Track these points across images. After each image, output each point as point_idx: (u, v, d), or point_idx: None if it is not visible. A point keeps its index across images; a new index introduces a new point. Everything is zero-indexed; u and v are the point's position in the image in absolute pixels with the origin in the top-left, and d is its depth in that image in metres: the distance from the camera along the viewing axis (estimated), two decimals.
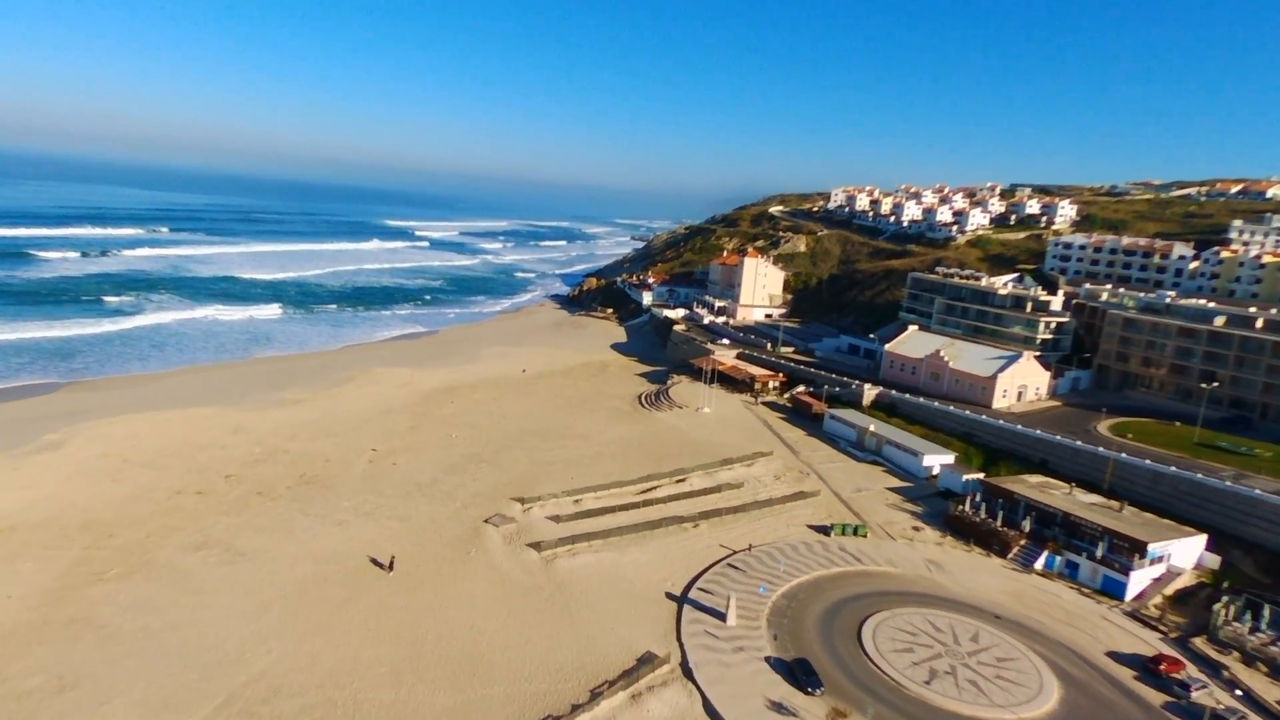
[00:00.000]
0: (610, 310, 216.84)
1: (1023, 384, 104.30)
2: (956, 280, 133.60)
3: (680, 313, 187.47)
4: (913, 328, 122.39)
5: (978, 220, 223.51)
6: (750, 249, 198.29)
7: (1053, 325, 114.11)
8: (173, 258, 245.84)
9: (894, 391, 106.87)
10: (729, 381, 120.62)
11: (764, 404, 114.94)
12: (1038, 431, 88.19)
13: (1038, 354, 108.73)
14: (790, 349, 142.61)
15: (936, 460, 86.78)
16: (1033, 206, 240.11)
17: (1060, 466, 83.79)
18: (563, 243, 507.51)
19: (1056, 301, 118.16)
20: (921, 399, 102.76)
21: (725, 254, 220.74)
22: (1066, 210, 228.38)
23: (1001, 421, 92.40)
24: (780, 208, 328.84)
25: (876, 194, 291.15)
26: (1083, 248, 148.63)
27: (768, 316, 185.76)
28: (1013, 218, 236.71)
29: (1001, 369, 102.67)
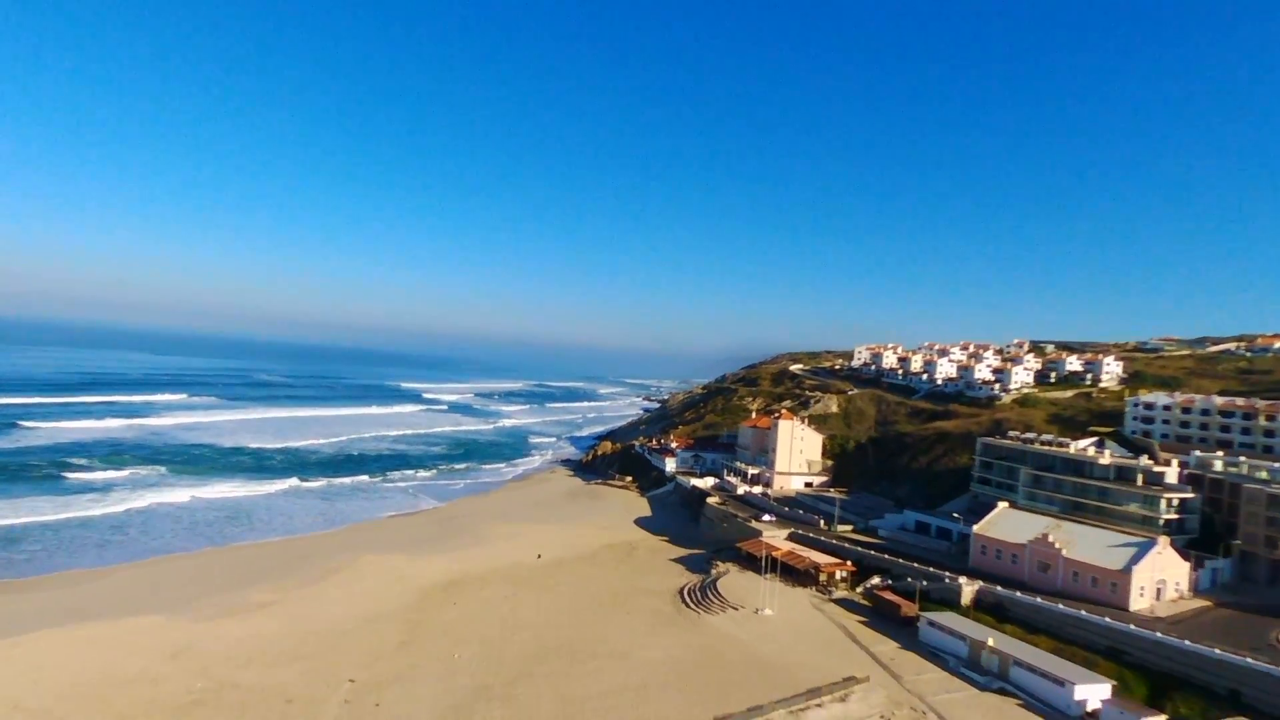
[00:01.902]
0: (629, 478, 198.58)
1: (1161, 578, 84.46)
2: (1039, 446, 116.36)
3: (710, 481, 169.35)
4: (1003, 505, 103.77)
5: (1021, 378, 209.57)
6: (783, 410, 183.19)
7: (1175, 503, 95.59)
8: (161, 426, 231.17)
9: (999, 588, 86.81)
10: (787, 571, 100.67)
11: (835, 601, 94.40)
12: (1217, 650, 67.65)
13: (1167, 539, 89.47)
14: (848, 527, 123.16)
15: (1092, 691, 65.83)
16: (1074, 364, 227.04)
17: (1264, 702, 62.77)
18: (573, 404, 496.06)
19: (1171, 473, 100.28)
20: (1039, 599, 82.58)
21: (754, 415, 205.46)
22: (1113, 367, 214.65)
23: (1160, 634, 71.85)
24: (800, 366, 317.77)
25: (901, 350, 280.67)
26: (1168, 408, 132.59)
27: (808, 485, 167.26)
28: (1053, 375, 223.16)
29: (1135, 559, 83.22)
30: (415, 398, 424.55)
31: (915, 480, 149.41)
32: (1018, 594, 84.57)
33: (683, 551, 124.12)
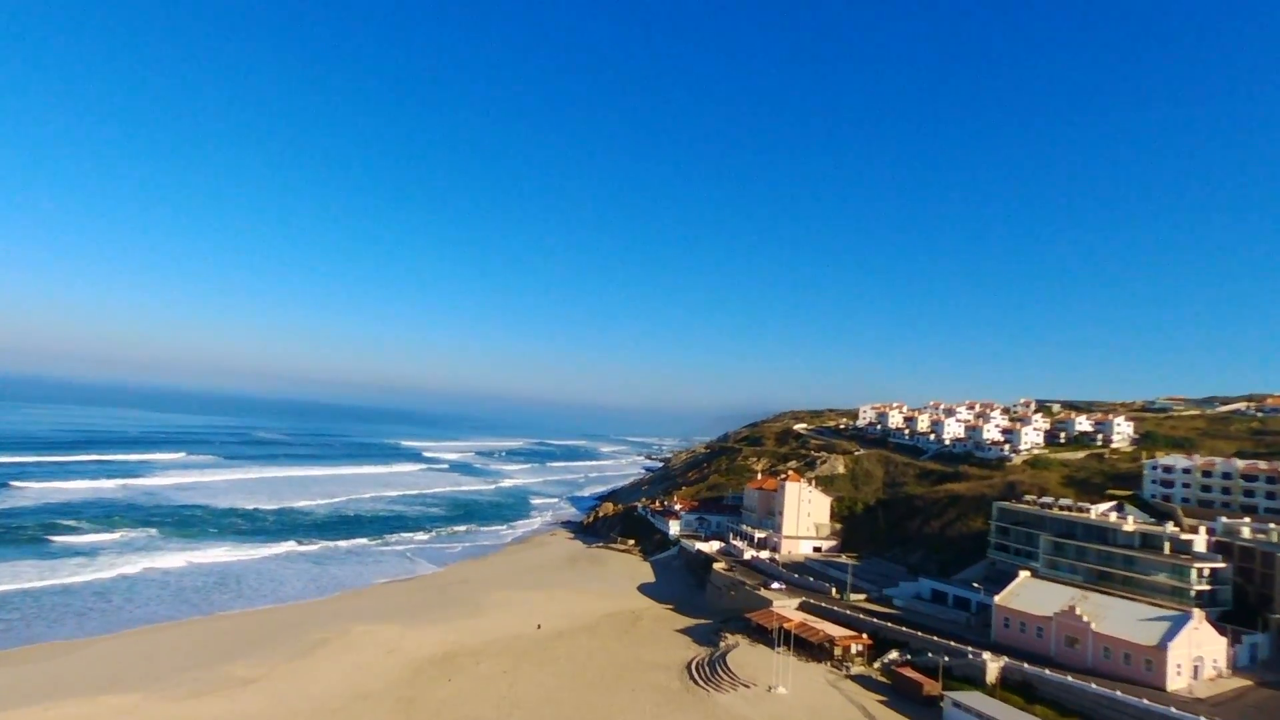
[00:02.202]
0: (632, 541, 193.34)
1: (1199, 655, 79.79)
2: (1058, 512, 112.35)
3: (715, 545, 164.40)
4: (1024, 574, 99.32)
5: (1030, 438, 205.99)
6: (790, 472, 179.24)
7: (1206, 573, 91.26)
8: (155, 486, 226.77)
9: (1026, 665, 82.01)
10: (800, 644, 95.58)
11: (851, 678, 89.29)
12: None
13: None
14: (862, 596, 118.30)
15: None
16: (1083, 424, 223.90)
17: None
18: (574, 462, 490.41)
19: (1199, 540, 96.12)
20: (1070, 678, 77.75)
21: (759, 477, 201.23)
22: (1124, 428, 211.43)
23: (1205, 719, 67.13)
24: (805, 425, 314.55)
25: (907, 410, 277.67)
26: (1187, 471, 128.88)
27: (817, 550, 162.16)
28: (1062, 435, 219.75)
29: (1170, 635, 78.71)
30: (415, 456, 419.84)
31: (928, 545, 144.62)
32: (1046, 672, 79.76)
33: (689, 621, 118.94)
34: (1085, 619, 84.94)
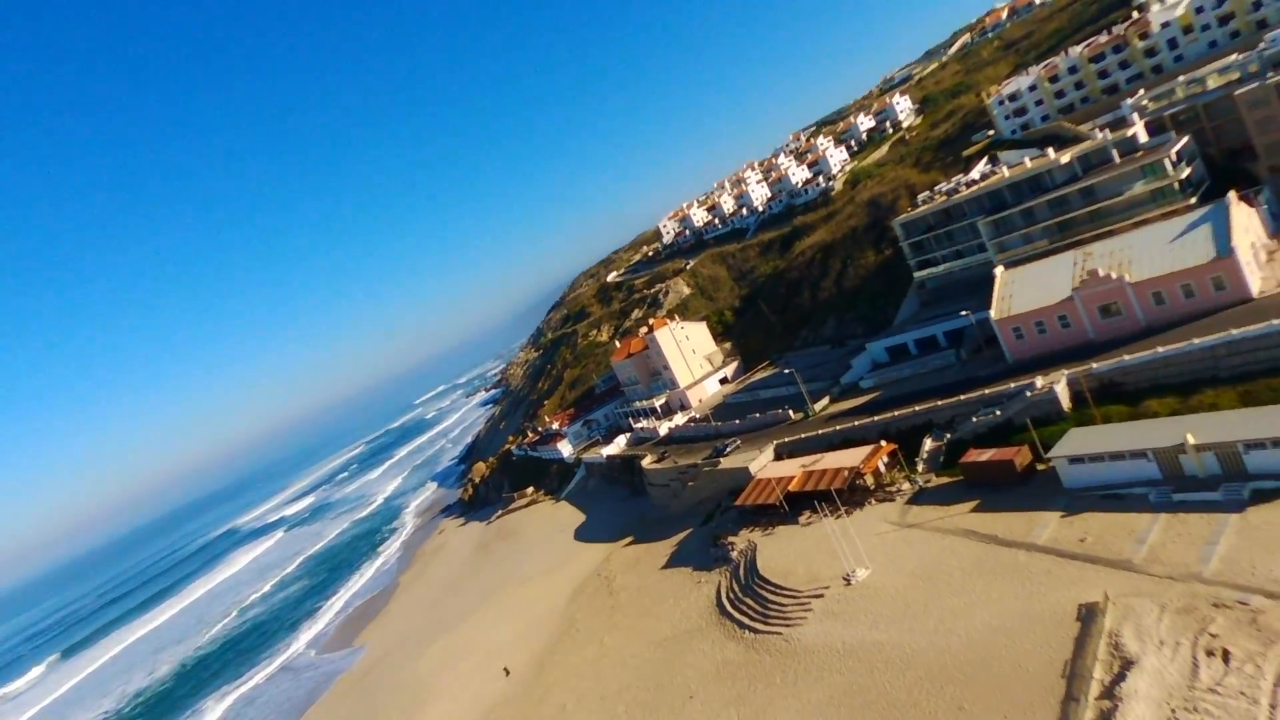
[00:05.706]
0: (530, 490, 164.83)
1: (1251, 241, 64.02)
2: (968, 191, 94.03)
3: (621, 443, 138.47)
4: (999, 270, 79.83)
5: (838, 157, 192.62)
6: (652, 321, 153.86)
7: (1174, 156, 75.46)
8: None
9: (1095, 366, 63.01)
10: (823, 500, 72.26)
11: (915, 504, 67.59)
12: None
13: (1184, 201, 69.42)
14: (823, 401, 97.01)
15: None
16: (865, 121, 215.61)
17: None
18: (419, 439, 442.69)
19: (1137, 129, 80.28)
20: (1161, 349, 59.34)
21: (617, 345, 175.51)
22: (903, 103, 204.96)
23: None
24: (616, 273, 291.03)
25: (699, 201, 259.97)
26: (1034, 88, 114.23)
27: (724, 381, 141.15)
28: (852, 144, 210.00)
29: (1222, 235, 61.59)
30: (258, 532, 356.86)
31: (834, 310, 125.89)
32: (1125, 358, 61.13)
33: (665, 547, 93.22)
34: (1114, 275, 66.79)
